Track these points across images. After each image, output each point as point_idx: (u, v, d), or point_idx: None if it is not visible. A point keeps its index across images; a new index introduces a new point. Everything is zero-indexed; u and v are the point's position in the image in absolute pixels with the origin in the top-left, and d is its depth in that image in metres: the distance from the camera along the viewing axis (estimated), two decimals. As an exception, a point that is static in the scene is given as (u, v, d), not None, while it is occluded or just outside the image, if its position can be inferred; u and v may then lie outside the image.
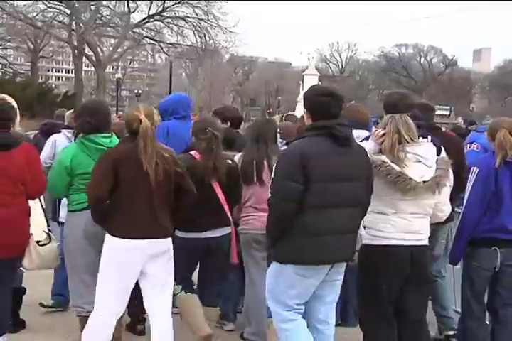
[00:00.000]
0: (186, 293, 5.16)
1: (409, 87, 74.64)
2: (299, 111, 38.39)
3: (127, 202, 4.45)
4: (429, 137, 4.78)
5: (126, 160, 4.43)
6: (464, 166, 5.87)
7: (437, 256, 5.81)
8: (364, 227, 4.47)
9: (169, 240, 4.60)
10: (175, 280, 5.11)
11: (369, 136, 4.94)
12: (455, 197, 5.70)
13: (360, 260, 4.57)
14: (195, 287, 5.35)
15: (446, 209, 4.70)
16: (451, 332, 5.79)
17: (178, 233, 5.01)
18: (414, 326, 4.62)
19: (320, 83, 45.90)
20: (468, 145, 12.13)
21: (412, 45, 78.97)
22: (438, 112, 50.78)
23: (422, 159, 4.45)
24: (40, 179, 4.90)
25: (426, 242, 4.58)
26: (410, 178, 4.34)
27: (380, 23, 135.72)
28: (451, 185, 4.84)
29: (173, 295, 5.17)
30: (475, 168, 4.85)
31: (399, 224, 4.43)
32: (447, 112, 53.80)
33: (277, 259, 4.25)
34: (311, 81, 45.18)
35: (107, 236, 4.52)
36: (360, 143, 4.59)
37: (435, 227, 5.55)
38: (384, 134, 4.47)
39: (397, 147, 4.40)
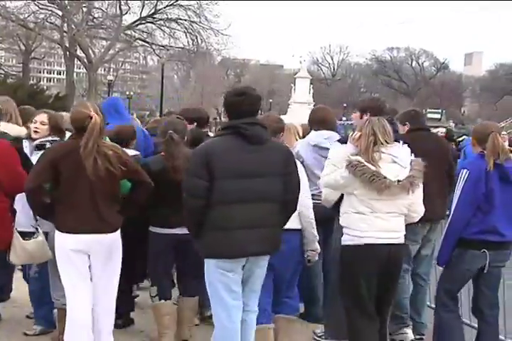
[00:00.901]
0: (161, 299, 5.34)
1: (401, 90, 74.87)
2: (291, 113, 38.45)
3: (68, 197, 4.53)
4: (401, 142, 4.87)
5: (66, 156, 4.50)
6: (452, 166, 5.96)
7: (424, 255, 5.84)
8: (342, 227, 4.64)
9: (115, 235, 4.66)
10: (151, 280, 5.43)
11: (341, 139, 5.18)
12: (448, 196, 5.74)
13: (340, 260, 4.72)
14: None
15: (419, 209, 4.77)
16: (417, 336, 5.81)
17: (151, 228, 5.28)
18: (379, 322, 4.74)
19: (312, 86, 46.12)
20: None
21: (404, 48, 79.19)
22: (429, 116, 50.90)
23: (397, 159, 4.57)
24: (16, 176, 4.94)
25: (402, 240, 4.69)
26: (385, 177, 4.45)
27: (371, 26, 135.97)
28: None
29: (150, 296, 5.32)
30: (465, 170, 4.89)
31: (376, 223, 4.55)
32: (439, 116, 53.80)
33: (200, 254, 4.44)
34: (302, 84, 45.26)
35: (55, 231, 4.62)
36: (336, 146, 4.93)
37: (429, 228, 5.65)
38: (360, 136, 4.60)
39: (371, 148, 4.53)
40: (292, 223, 4.81)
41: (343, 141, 5.12)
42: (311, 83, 46.71)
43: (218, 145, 4.30)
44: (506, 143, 17.26)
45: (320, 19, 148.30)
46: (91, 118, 4.48)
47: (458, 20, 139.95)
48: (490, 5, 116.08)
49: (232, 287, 4.37)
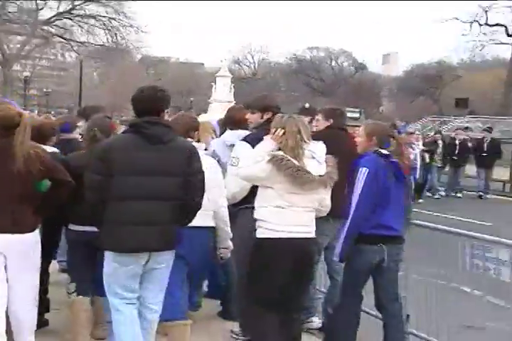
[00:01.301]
0: (78, 294, 5.34)
1: (320, 89, 75.70)
2: (212, 111, 38.40)
3: None
4: None
5: None
6: None
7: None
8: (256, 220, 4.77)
9: (32, 235, 4.57)
10: (71, 277, 5.44)
11: (250, 136, 5.30)
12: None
13: (254, 253, 4.79)
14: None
15: (328, 204, 4.96)
16: None
17: (70, 226, 5.31)
18: (289, 317, 4.87)
19: (232, 84, 46.18)
20: None
21: (324, 48, 79.97)
22: (348, 115, 51.61)
23: (316, 156, 4.77)
24: None
25: (313, 235, 4.84)
26: (309, 172, 4.62)
27: (292, 26, 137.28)
28: None
29: (67, 293, 5.29)
30: (364, 168, 5.08)
31: (292, 217, 4.68)
32: (357, 115, 54.46)
33: (99, 246, 4.54)
34: (223, 82, 45.21)
35: None
36: (243, 143, 5.13)
37: (340, 224, 5.77)
38: (284, 133, 4.71)
39: (300, 145, 4.69)
40: (205, 220, 4.94)
41: (250, 138, 5.21)
42: (231, 82, 46.71)
43: (118, 143, 4.47)
44: (420, 143, 17.77)
45: (241, 18, 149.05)
46: (20, 115, 4.39)
47: (377, 21, 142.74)
48: (407, 5, 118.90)
49: (126, 281, 4.43)
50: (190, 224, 4.64)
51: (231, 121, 6.24)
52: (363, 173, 5.05)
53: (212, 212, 5.07)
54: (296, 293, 4.88)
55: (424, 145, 18.37)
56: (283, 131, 4.74)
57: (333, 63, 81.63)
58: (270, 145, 4.77)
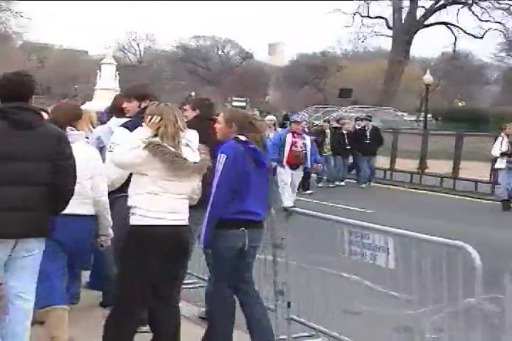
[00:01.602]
0: None
1: (207, 77, 75.73)
2: (96, 99, 37.75)
3: None
4: None
5: None
6: None
7: None
8: (130, 207, 4.76)
9: None
10: None
11: (129, 122, 5.35)
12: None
13: (127, 240, 4.77)
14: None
15: (199, 192, 5.03)
16: None
17: None
18: (165, 304, 4.90)
19: (118, 72, 45.56)
20: None
21: (210, 37, 79.96)
22: (234, 104, 51.95)
23: (190, 144, 4.84)
24: None
25: (187, 222, 4.88)
26: (186, 159, 4.68)
27: (177, 15, 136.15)
28: None
29: None
30: (223, 154, 5.16)
31: (166, 204, 4.70)
32: (243, 104, 55.03)
33: None
34: (108, 70, 44.58)
35: None
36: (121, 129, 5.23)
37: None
38: (161, 121, 4.74)
39: (177, 133, 4.73)
40: (84, 208, 4.96)
41: (130, 125, 5.24)
42: (116, 69, 46.08)
43: None
44: (306, 131, 18.02)
45: (125, 5, 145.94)
46: None
47: (263, 10, 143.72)
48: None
49: None
50: (68, 212, 4.61)
51: (117, 109, 6.28)
52: (221, 160, 5.14)
53: (91, 199, 5.06)
54: (170, 281, 4.91)
55: (309, 134, 18.54)
56: (159, 118, 4.77)
57: (220, 52, 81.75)
58: (146, 132, 4.78)
